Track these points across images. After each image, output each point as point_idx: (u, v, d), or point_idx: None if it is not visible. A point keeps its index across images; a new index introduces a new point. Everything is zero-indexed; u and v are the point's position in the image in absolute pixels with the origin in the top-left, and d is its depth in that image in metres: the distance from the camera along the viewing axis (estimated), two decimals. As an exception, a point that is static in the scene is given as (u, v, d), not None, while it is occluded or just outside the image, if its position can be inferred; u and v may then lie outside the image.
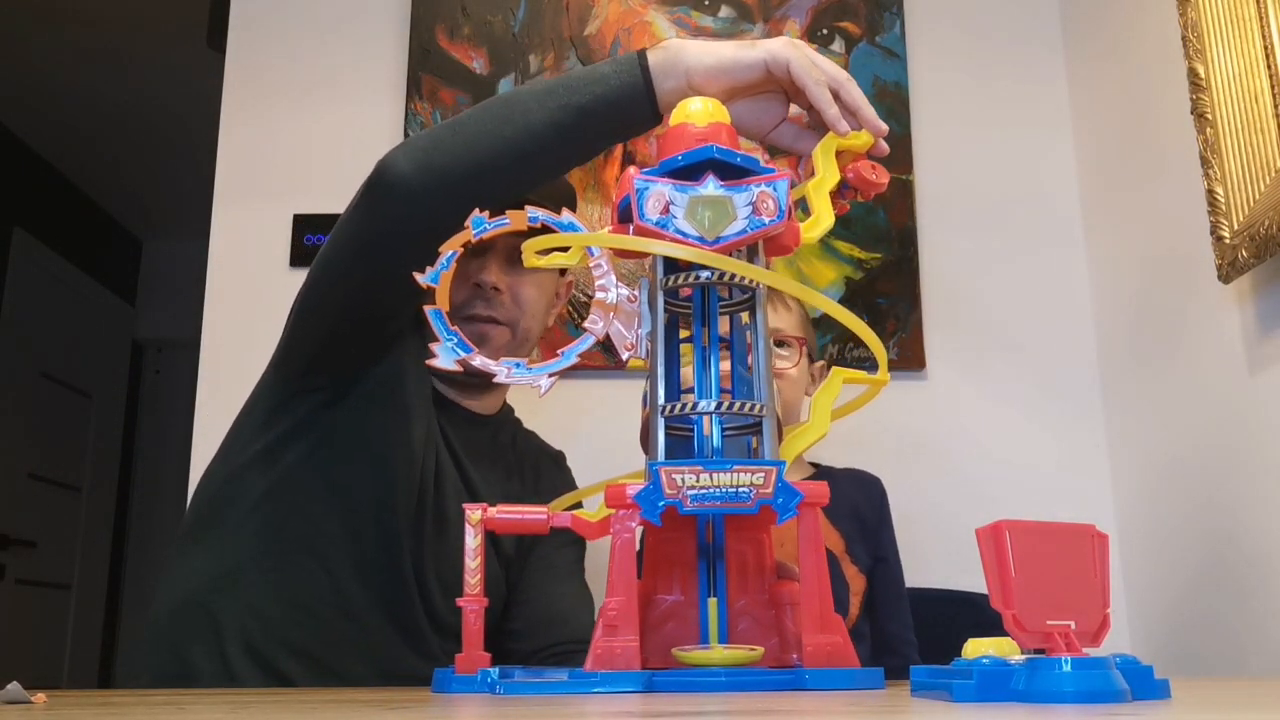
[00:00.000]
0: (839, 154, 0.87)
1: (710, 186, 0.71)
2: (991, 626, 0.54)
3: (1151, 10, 1.65)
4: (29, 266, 3.68)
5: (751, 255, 0.73)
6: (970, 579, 1.24)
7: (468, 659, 0.68)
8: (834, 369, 0.75)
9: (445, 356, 0.74)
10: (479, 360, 0.74)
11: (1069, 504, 1.76)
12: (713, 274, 0.70)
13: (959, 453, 1.84)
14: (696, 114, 0.75)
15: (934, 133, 1.96)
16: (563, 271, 1.20)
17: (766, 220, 0.71)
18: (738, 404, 0.69)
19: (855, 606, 1.31)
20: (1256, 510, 1.39)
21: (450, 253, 0.77)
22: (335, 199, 1.98)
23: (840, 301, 1.80)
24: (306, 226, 1.92)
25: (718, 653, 0.66)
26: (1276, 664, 1.34)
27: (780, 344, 1.33)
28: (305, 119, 1.97)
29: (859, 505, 1.37)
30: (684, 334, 0.76)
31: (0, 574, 3.41)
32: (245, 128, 1.97)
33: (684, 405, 0.69)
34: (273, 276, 1.90)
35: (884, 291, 1.89)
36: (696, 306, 0.75)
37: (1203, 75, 1.43)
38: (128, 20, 3.07)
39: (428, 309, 0.75)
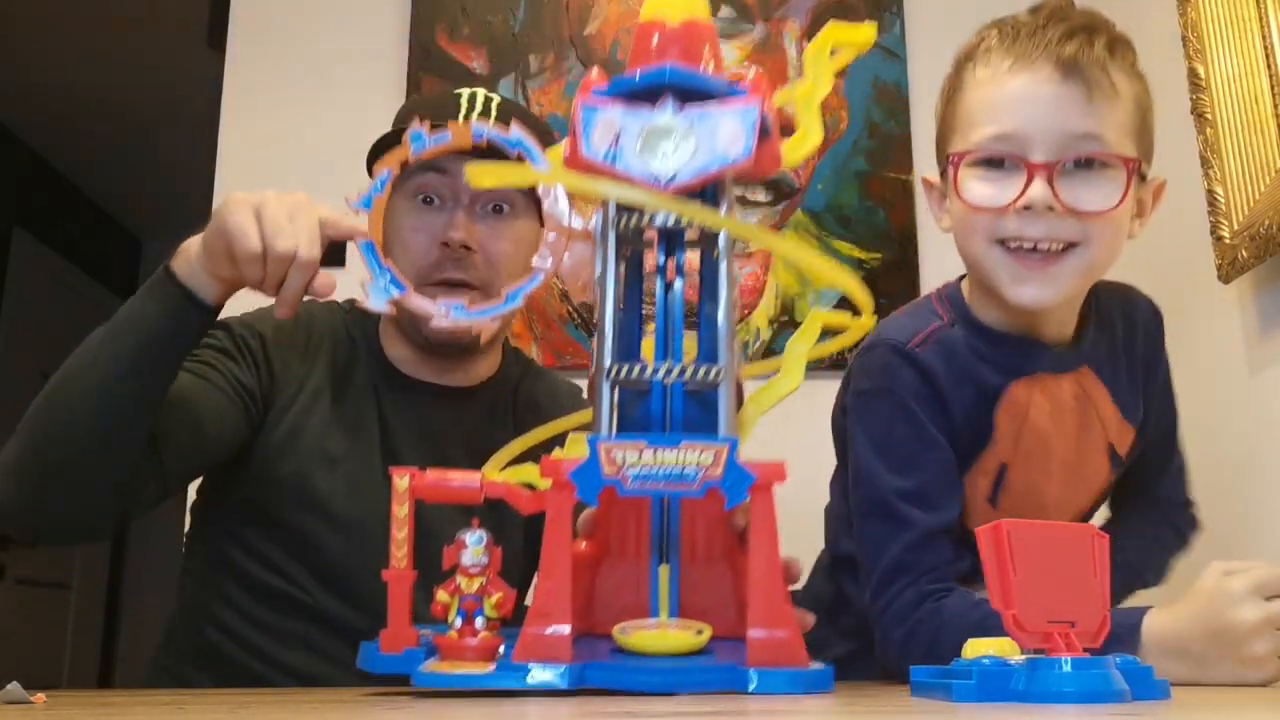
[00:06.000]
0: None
1: (667, 113, 0.60)
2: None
3: (1151, 10, 1.65)
4: (29, 266, 3.68)
5: (716, 193, 0.63)
6: (970, 579, 1.24)
7: (393, 635, 0.62)
8: (812, 312, 0.66)
9: (376, 297, 0.67)
10: (415, 301, 0.67)
11: (1069, 504, 1.75)
12: (668, 217, 0.61)
13: (959, 453, 1.83)
14: (671, 5, 0.63)
15: (934, 133, 1.95)
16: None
17: (731, 157, 0.59)
18: (690, 370, 0.61)
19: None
20: (1257, 510, 1.39)
21: (384, 172, 0.70)
22: (335, 199, 1.99)
23: (840, 301, 1.80)
24: (306, 226, 1.92)
25: (662, 635, 0.60)
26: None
27: (1088, 164, 0.87)
28: (305, 119, 1.97)
29: (1117, 339, 1.00)
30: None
31: (0, 574, 3.41)
32: (245, 128, 1.97)
33: (630, 369, 0.61)
34: (273, 276, 1.91)
35: (884, 291, 1.88)
36: (661, 252, 0.65)
37: (1203, 75, 1.43)
38: (128, 20, 3.06)
39: (359, 241, 0.70)
